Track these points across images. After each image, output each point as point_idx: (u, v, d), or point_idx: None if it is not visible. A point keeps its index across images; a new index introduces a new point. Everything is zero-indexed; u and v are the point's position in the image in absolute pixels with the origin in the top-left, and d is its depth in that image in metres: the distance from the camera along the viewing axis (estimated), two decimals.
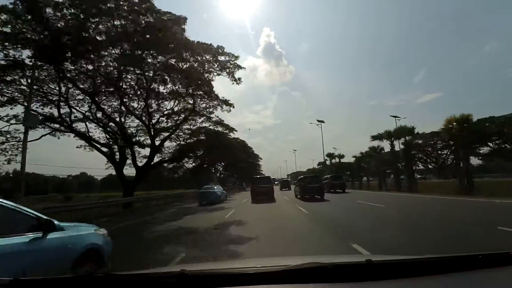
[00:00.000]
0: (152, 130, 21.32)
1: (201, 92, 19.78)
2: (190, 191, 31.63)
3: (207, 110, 22.41)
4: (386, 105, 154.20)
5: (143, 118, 20.53)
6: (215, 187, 21.12)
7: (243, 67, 19.66)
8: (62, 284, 1.15)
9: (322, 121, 46.45)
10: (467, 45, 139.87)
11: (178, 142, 27.41)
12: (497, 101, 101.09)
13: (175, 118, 22.52)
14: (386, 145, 26.56)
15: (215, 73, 19.32)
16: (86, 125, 19.09)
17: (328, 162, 46.18)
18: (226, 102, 21.03)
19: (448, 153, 47.59)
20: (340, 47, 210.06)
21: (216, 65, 19.07)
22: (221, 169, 54.78)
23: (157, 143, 21.88)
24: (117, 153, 20.58)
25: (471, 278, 1.14)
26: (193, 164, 41.20)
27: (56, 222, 2.94)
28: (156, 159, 23.83)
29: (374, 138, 26.29)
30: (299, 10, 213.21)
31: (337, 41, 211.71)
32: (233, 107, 21.24)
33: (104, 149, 19.98)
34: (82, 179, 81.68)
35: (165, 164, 37.65)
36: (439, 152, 50.34)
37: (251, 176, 49.18)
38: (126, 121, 21.03)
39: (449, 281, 1.12)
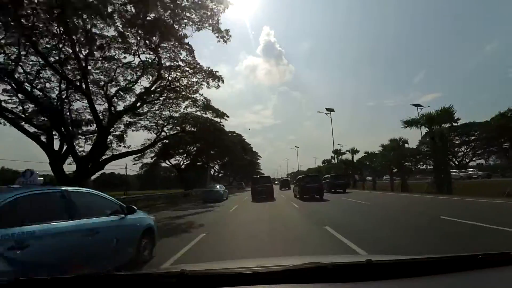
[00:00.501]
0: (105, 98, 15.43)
1: (168, 44, 14.37)
2: (177, 191, 28.59)
3: (190, 89, 16.85)
4: (386, 105, 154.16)
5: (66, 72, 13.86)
6: (218, 186, 23.04)
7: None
8: (62, 284, 1.15)
9: (332, 110, 41.44)
10: (467, 44, 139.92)
11: (158, 133, 20.98)
12: (498, 100, 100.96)
13: (145, 97, 16.21)
14: (410, 137, 23.47)
15: (192, 25, 13.92)
16: None
17: (333, 161, 43.14)
18: (213, 75, 16.10)
19: (468, 149, 43.85)
20: (340, 46, 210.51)
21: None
22: (217, 167, 51.88)
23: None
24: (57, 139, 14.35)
25: (471, 278, 1.14)
26: (179, 161, 36.10)
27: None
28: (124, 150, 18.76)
29: (407, 124, 20.14)
30: (299, 8, 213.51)
31: (337, 40, 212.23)
32: (223, 81, 16.40)
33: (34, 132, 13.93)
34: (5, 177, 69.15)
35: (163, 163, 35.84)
36: (456, 148, 44.84)
37: (250, 175, 48.81)
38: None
39: (449, 281, 1.12)
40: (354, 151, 35.94)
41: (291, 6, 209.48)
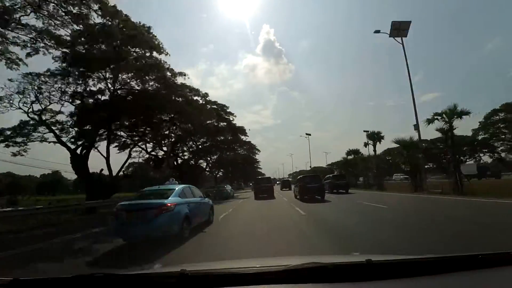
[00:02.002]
0: None
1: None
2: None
3: None
4: (386, 105, 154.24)
5: None
6: (226, 186, 29.68)
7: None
8: (62, 284, 1.15)
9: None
10: (468, 44, 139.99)
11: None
12: (498, 101, 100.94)
13: None
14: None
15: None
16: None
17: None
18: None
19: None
20: (339, 44, 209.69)
21: None
22: (220, 172, 47.39)
23: None
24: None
25: (471, 278, 1.14)
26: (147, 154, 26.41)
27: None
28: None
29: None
30: (299, 7, 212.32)
31: (337, 39, 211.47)
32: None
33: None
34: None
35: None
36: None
37: (248, 175, 47.97)
38: None
39: (449, 281, 1.12)
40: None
41: (291, 4, 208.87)
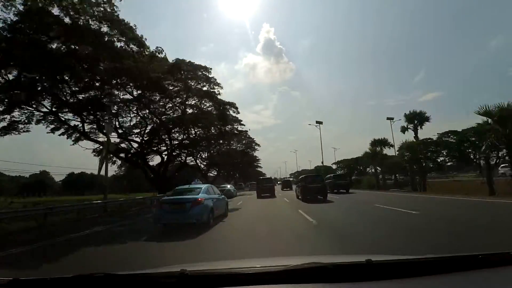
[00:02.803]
0: None
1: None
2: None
3: None
4: (386, 105, 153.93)
5: None
6: (229, 186, 29.37)
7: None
8: (62, 284, 1.15)
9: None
10: (468, 43, 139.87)
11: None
12: (498, 100, 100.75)
13: None
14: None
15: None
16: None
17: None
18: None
19: None
20: (340, 44, 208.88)
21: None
22: (204, 165, 40.29)
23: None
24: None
25: (471, 278, 1.14)
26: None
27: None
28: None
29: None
30: (299, 5, 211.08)
31: (338, 38, 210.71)
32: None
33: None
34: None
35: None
36: None
37: (247, 175, 47.67)
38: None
39: (449, 281, 1.12)
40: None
41: (291, 2, 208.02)
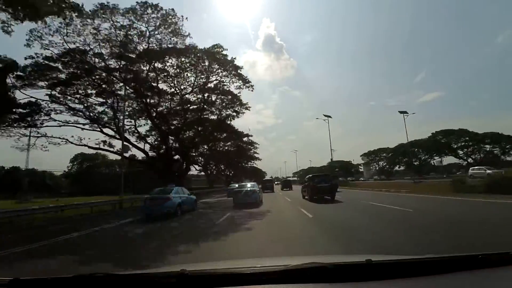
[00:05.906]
0: None
1: None
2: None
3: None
4: (387, 105, 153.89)
5: None
6: (249, 184, 31.13)
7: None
8: (62, 284, 1.15)
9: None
10: (468, 43, 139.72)
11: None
12: (499, 100, 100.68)
13: None
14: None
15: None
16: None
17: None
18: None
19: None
20: (342, 40, 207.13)
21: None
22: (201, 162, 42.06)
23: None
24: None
25: (471, 278, 1.14)
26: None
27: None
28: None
29: None
30: (300, 0, 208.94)
31: (339, 35, 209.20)
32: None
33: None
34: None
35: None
36: None
37: (247, 175, 50.06)
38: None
39: (449, 281, 1.12)
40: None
41: None
